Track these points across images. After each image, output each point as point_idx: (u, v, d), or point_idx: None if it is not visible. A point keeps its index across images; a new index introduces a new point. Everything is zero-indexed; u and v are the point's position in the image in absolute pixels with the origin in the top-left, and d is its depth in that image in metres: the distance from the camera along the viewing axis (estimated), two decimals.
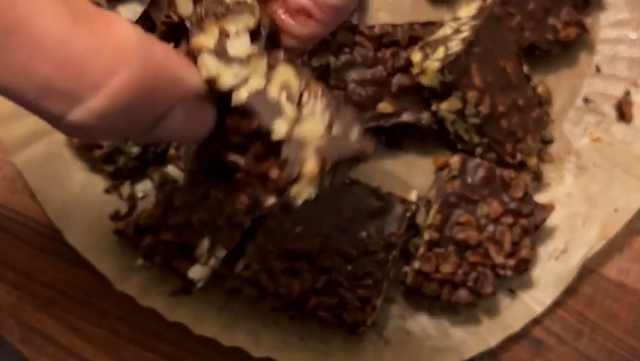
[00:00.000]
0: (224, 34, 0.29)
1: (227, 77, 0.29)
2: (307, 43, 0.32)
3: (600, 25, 0.54)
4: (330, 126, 0.30)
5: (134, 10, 0.54)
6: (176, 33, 0.30)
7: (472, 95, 0.47)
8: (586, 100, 0.54)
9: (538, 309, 0.49)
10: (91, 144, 0.49)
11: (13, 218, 0.51)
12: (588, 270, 0.51)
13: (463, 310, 0.49)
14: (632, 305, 0.51)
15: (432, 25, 0.52)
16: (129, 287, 0.49)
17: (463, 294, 0.48)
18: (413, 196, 0.51)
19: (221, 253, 0.47)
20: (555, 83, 0.54)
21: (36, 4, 0.23)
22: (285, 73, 0.30)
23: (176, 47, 0.30)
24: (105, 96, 0.24)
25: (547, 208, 0.49)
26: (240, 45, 0.29)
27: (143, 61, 0.24)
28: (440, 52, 0.48)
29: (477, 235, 0.47)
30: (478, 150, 0.50)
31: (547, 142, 0.53)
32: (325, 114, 0.31)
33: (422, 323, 0.50)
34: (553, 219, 0.50)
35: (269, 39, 0.31)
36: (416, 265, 0.48)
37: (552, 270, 0.50)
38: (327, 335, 0.49)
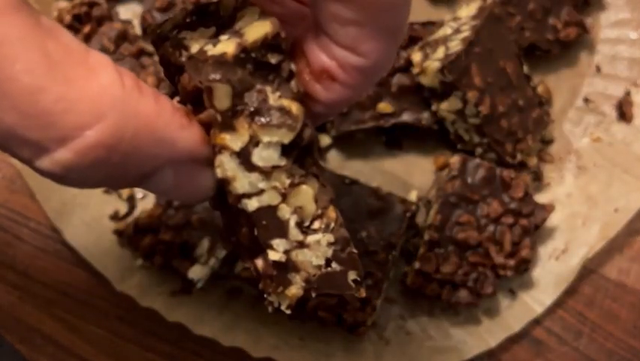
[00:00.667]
0: (253, 141, 0.26)
1: (242, 183, 0.26)
2: (334, 110, 0.29)
3: (600, 25, 0.54)
4: (329, 262, 0.28)
5: (134, 10, 0.55)
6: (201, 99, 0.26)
7: (472, 95, 0.47)
8: (586, 100, 0.54)
9: (539, 309, 0.49)
10: None
11: (13, 218, 0.51)
12: (588, 270, 0.51)
13: (463, 310, 0.49)
14: (632, 305, 0.51)
15: (432, 25, 0.52)
16: (129, 287, 0.49)
17: (463, 294, 0.47)
18: (413, 196, 0.51)
19: (221, 253, 0.47)
20: (555, 83, 0.54)
21: (6, 48, 0.21)
22: (305, 196, 0.28)
23: (197, 109, 0.26)
24: (73, 151, 0.22)
25: (548, 208, 0.49)
26: (267, 156, 0.26)
27: (122, 117, 0.22)
28: (440, 52, 0.48)
29: (477, 235, 0.47)
30: (478, 150, 0.50)
31: (547, 142, 0.53)
32: (329, 249, 0.28)
33: (422, 323, 0.50)
34: (553, 219, 0.50)
35: (303, 149, 0.27)
36: (416, 265, 0.47)
37: (552, 270, 0.50)
38: (327, 335, 0.49)
